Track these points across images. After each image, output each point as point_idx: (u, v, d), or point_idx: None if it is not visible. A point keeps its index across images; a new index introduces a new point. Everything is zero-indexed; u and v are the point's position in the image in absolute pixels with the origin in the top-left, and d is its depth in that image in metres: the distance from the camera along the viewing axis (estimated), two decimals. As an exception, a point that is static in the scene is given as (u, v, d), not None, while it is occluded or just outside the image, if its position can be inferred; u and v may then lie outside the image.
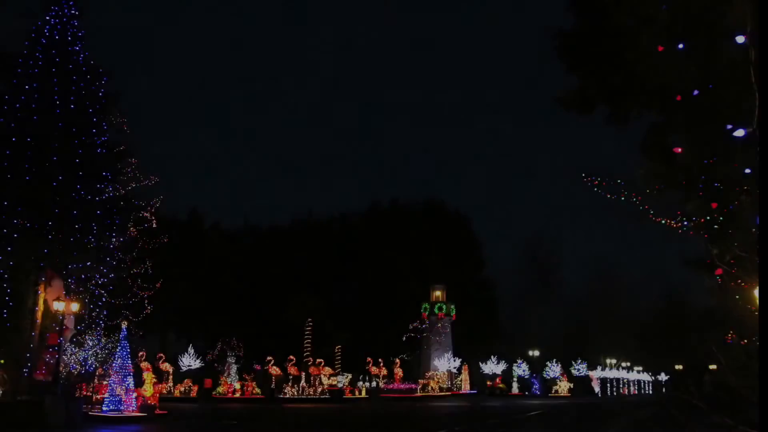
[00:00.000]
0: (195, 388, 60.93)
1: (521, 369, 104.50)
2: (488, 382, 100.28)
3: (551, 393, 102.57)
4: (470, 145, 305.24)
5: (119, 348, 36.43)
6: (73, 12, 41.12)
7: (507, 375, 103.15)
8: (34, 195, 37.36)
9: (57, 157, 38.33)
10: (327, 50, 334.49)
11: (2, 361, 35.46)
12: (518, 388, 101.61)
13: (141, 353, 50.38)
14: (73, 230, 38.19)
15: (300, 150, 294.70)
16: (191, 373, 64.96)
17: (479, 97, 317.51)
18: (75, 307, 36.98)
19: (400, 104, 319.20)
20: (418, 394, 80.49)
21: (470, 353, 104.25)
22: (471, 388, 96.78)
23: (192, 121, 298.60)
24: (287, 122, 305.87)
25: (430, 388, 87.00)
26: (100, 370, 38.40)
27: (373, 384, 78.27)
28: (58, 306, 36.25)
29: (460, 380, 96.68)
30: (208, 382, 61.94)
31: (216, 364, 66.66)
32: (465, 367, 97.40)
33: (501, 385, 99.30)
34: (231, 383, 63.12)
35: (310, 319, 78.34)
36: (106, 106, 41.30)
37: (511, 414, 53.73)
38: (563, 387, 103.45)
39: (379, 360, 79.90)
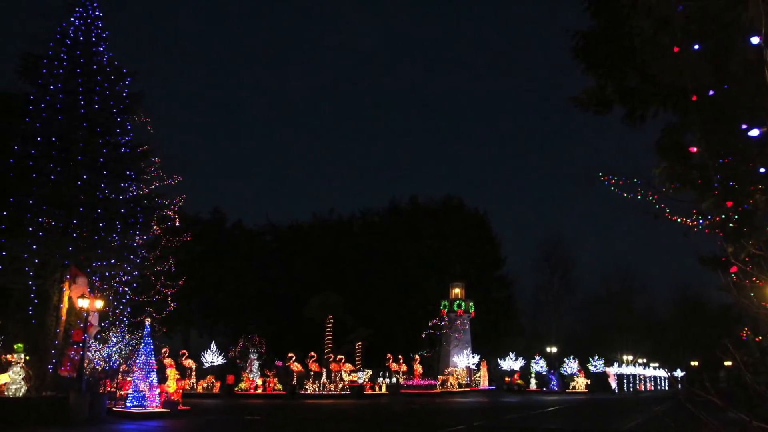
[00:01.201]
0: (217, 384, 60.99)
1: (539, 365, 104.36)
2: (506, 378, 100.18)
3: (568, 389, 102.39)
4: (489, 143, 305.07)
5: (143, 345, 36.53)
6: (97, 14, 41.28)
7: (525, 371, 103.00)
8: (59, 194, 37.54)
9: (81, 157, 38.47)
10: (345, 48, 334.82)
11: (28, 358, 35.58)
12: (536, 384, 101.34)
13: (164, 350, 50.55)
14: (97, 229, 38.33)
15: (319, 149, 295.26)
16: (214, 370, 65.04)
17: (498, 95, 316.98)
18: (99, 304, 37.11)
19: (418, 102, 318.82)
20: (438, 390, 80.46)
21: (489, 350, 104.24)
22: (489, 384, 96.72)
23: (213, 121, 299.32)
24: (306, 121, 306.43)
25: (449, 384, 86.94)
26: (123, 366, 38.51)
27: (394, 380, 78.24)
28: (83, 303, 36.34)
29: (479, 376, 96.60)
30: (230, 379, 61.99)
31: (238, 361, 66.72)
32: (483, 364, 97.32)
33: (519, 381, 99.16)
34: (253, 379, 63.10)
35: (330, 316, 78.40)
36: (129, 106, 41.45)
37: (529, 409, 53.72)
38: (580, 383, 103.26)
39: (399, 356, 79.91)
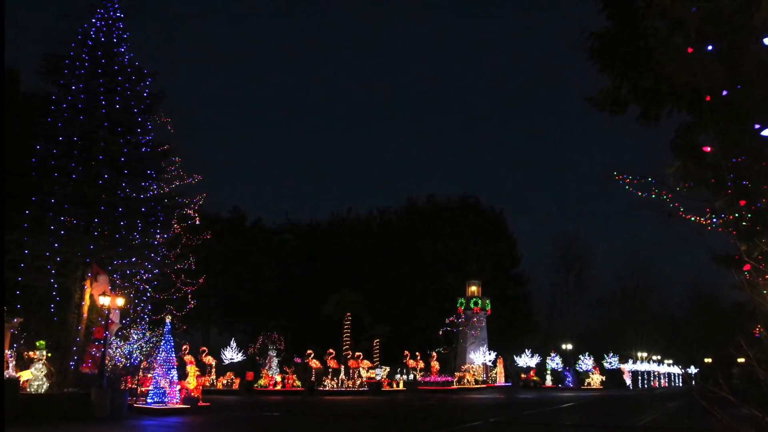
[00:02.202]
0: (237, 381, 61.07)
1: (555, 362, 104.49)
2: (522, 375, 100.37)
3: (584, 385, 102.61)
4: (505, 142, 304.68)
5: (163, 342, 36.60)
6: (118, 15, 41.37)
7: (541, 368, 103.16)
8: (80, 193, 37.65)
9: (103, 156, 38.59)
10: (363, 48, 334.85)
11: (50, 354, 35.73)
12: (551, 380, 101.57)
13: (184, 347, 50.64)
14: (118, 227, 38.45)
15: (337, 148, 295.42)
16: (233, 366, 65.19)
17: (514, 95, 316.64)
18: (120, 302, 37.20)
19: (435, 101, 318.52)
20: (455, 386, 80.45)
21: (505, 347, 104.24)
22: (506, 381, 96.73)
23: (232, 121, 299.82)
24: (325, 120, 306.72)
25: (466, 380, 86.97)
26: (144, 363, 38.62)
27: (411, 377, 78.35)
28: (104, 301, 36.45)
29: (495, 373, 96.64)
30: (249, 375, 62.06)
31: (258, 357, 66.82)
32: (500, 360, 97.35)
33: (535, 378, 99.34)
34: (272, 376, 63.16)
35: (349, 314, 78.48)
36: (150, 106, 41.55)
37: (545, 405, 53.77)
38: (595, 379, 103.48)
39: (417, 353, 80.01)
